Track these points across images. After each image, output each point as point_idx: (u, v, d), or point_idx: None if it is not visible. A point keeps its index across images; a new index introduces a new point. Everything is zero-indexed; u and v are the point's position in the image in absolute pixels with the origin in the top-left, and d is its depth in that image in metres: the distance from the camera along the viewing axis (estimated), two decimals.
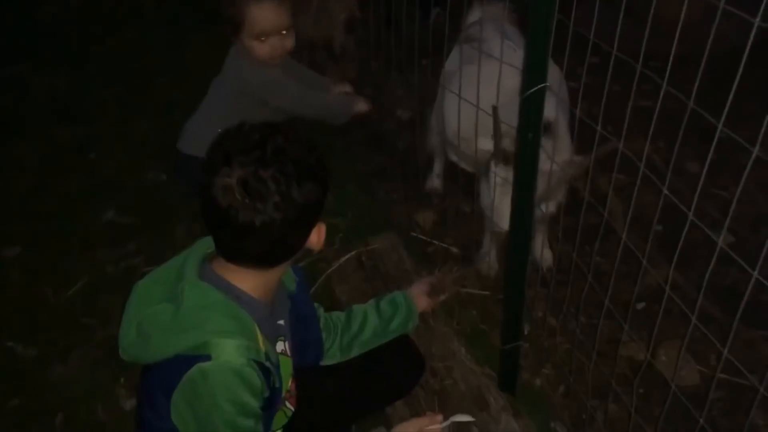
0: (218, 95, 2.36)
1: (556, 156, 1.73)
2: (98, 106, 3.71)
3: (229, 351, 1.25)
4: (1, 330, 2.40)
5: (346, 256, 2.49)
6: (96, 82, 3.93)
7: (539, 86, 1.41)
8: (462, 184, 2.38)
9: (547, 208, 2.14)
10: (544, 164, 1.84)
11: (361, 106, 2.47)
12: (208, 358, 1.24)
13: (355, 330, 1.79)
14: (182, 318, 1.28)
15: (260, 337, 1.33)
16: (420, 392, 2.04)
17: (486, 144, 1.95)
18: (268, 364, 1.33)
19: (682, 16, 1.13)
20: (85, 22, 4.30)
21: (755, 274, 1.11)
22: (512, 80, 1.59)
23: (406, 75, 2.67)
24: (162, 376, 1.30)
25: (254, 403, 1.30)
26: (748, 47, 1.03)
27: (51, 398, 2.16)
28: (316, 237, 1.37)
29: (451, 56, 2.55)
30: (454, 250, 2.62)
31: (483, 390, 2.02)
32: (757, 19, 0.98)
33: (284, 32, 2.18)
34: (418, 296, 1.92)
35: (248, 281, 1.35)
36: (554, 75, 1.52)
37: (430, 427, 1.55)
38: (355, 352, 1.81)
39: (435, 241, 2.66)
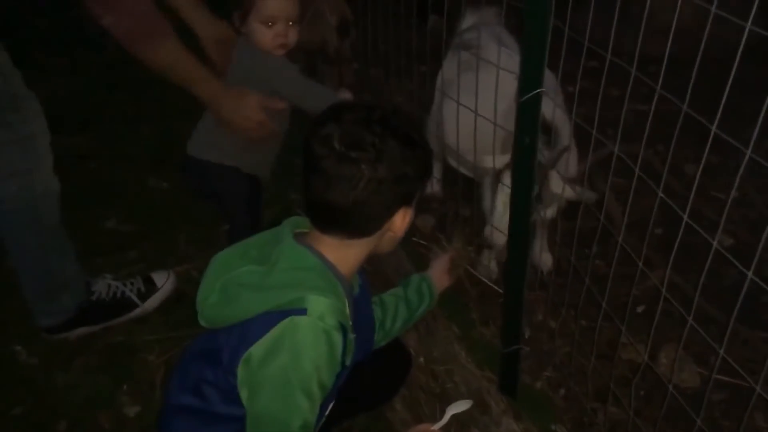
0: None
1: (565, 168, 1.75)
2: (98, 113, 3.73)
3: (324, 308, 1.26)
4: (6, 335, 2.41)
5: None
6: (96, 90, 3.95)
7: (536, 91, 1.43)
8: (461, 188, 2.39)
9: (545, 212, 2.16)
10: (556, 187, 1.87)
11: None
12: (303, 311, 1.24)
13: (389, 326, 1.80)
14: (278, 277, 1.29)
15: (347, 307, 1.35)
16: (421, 395, 2.05)
17: (498, 161, 1.96)
18: (351, 336, 1.35)
19: (675, 19, 1.14)
20: (84, 28, 4.31)
21: (750, 274, 1.12)
22: (511, 86, 1.61)
23: (404, 81, 2.68)
24: (242, 332, 1.29)
25: (330, 374, 1.30)
26: (740, 49, 1.04)
27: (54, 405, 2.17)
28: (400, 221, 1.37)
29: (447, 62, 2.56)
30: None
31: (484, 393, 2.03)
32: (748, 24, 0.99)
33: (291, 23, 2.19)
34: (440, 276, 1.92)
35: (334, 253, 1.37)
36: (550, 82, 1.53)
37: (432, 428, 1.56)
38: (383, 344, 1.81)
39: (434, 246, 2.67)
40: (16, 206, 2.09)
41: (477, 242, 2.21)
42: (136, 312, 2.44)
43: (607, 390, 1.79)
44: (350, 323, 1.35)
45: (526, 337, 2.21)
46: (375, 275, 2.46)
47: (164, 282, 2.48)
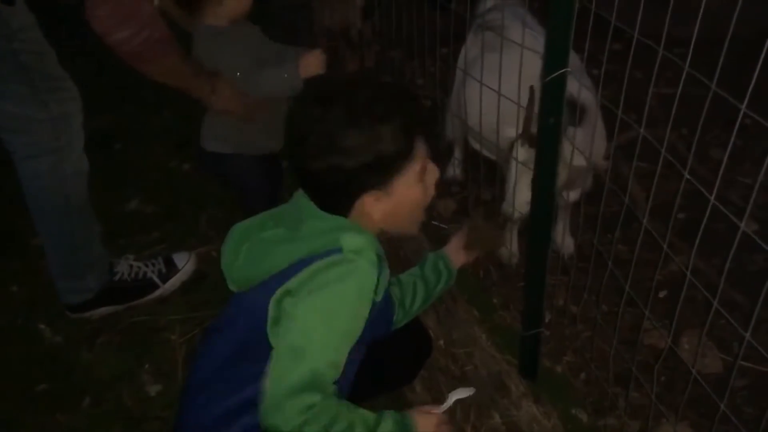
0: None
1: (591, 147, 1.73)
2: (120, 95, 3.75)
3: (359, 243, 1.28)
4: (33, 313, 2.45)
5: None
6: (119, 73, 3.96)
7: (561, 71, 1.41)
8: (483, 172, 2.38)
9: (569, 195, 2.14)
10: (578, 160, 1.85)
11: (313, 67, 2.16)
12: (338, 250, 1.27)
13: (408, 305, 1.80)
14: (308, 228, 1.32)
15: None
16: (440, 377, 2.06)
17: (511, 131, 1.95)
18: (386, 270, 1.37)
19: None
20: None
21: None
22: (536, 68, 1.59)
23: (425, 63, 2.67)
24: (277, 278, 1.30)
25: (366, 306, 1.32)
26: None
27: (78, 382, 2.20)
28: (370, 205, 1.35)
29: (469, 43, 2.54)
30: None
31: (504, 376, 2.03)
32: None
33: None
34: (456, 252, 1.91)
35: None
36: (575, 63, 1.51)
37: (434, 410, 1.56)
38: (402, 324, 1.82)
39: (455, 229, 2.66)
40: (48, 184, 2.11)
41: (496, 224, 2.20)
42: (157, 293, 2.46)
43: (629, 375, 1.78)
44: (384, 257, 1.37)
45: (547, 321, 2.20)
46: (394, 258, 2.46)
47: (185, 263, 2.50)
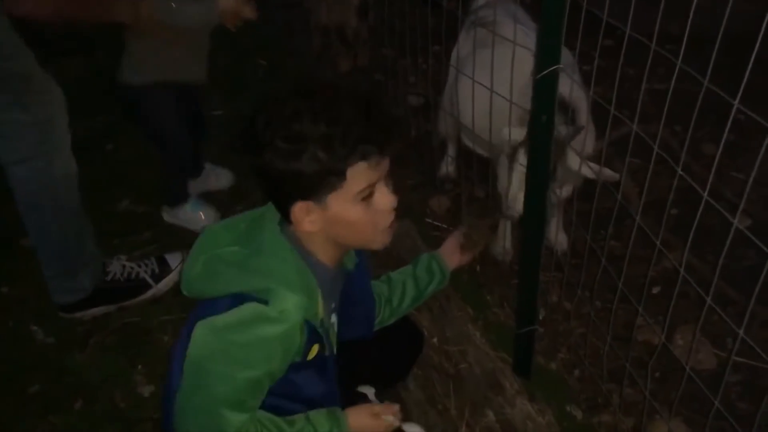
0: None
1: (582, 146, 1.73)
2: (110, 94, 3.72)
3: (288, 304, 1.28)
4: (24, 315, 2.43)
5: None
6: (107, 70, 3.93)
7: (553, 67, 1.41)
8: (476, 169, 2.38)
9: (560, 192, 2.14)
10: (573, 163, 1.85)
11: (247, 11, 2.27)
12: (266, 302, 1.27)
13: (396, 303, 1.80)
14: (254, 262, 1.32)
15: (320, 303, 1.36)
16: (434, 375, 2.05)
17: (514, 133, 1.94)
18: (320, 330, 1.37)
19: None
20: None
21: None
22: (528, 64, 1.59)
23: (418, 61, 2.66)
24: (211, 305, 1.33)
25: (280, 365, 1.33)
26: (764, 26, 1.01)
27: (70, 384, 2.18)
28: (299, 214, 1.32)
29: (461, 40, 2.54)
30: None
31: (498, 374, 2.03)
32: None
33: None
34: (450, 255, 1.88)
35: (309, 240, 1.38)
36: (567, 60, 1.51)
37: (384, 415, 1.55)
38: (391, 321, 1.82)
39: (449, 227, 2.67)
40: (36, 188, 2.10)
41: (491, 221, 2.19)
42: (150, 293, 2.45)
43: (622, 371, 1.78)
44: (320, 317, 1.36)
45: (541, 318, 2.20)
46: (388, 256, 2.45)
47: (178, 263, 2.49)
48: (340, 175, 1.26)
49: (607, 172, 1.78)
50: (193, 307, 1.45)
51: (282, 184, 1.29)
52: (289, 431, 1.41)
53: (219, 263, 1.35)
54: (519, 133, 1.92)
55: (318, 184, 1.27)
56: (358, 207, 1.31)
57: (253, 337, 1.28)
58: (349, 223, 1.33)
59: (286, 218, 1.36)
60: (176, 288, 2.48)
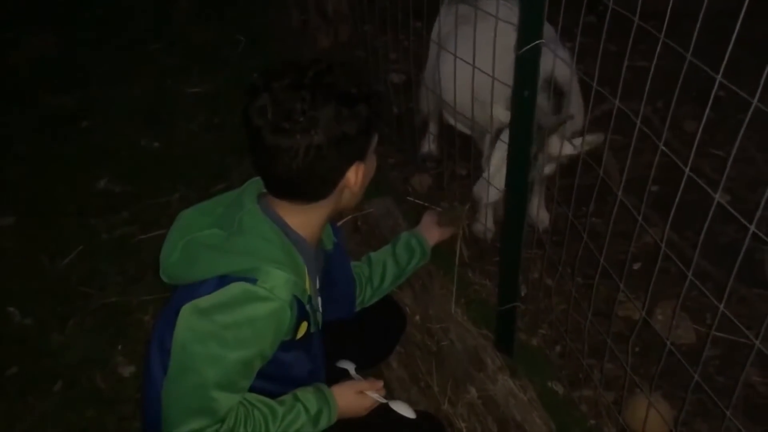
0: None
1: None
2: (88, 72, 3.67)
3: (277, 281, 1.26)
4: (1, 296, 2.40)
5: (342, 220, 2.48)
6: (85, 48, 3.88)
7: (535, 42, 1.39)
8: (458, 147, 2.37)
9: (542, 169, 2.13)
10: (554, 149, 1.84)
11: None
12: (254, 281, 1.25)
13: (377, 283, 1.80)
14: (238, 242, 1.29)
15: (308, 279, 1.35)
16: (417, 353, 2.06)
17: (502, 115, 1.93)
18: (308, 307, 1.35)
19: None
20: None
21: (752, 228, 1.11)
22: (512, 40, 1.57)
23: (399, 38, 2.64)
24: (195, 288, 1.30)
25: (272, 345, 1.32)
26: (745, 3, 1.01)
27: (49, 365, 2.17)
28: (354, 177, 1.32)
29: (443, 16, 2.51)
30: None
31: (480, 350, 2.04)
32: None
33: None
34: (428, 231, 1.90)
35: (294, 218, 1.36)
36: (550, 35, 1.49)
37: (369, 392, 1.55)
38: (373, 301, 1.81)
39: (431, 205, 2.66)
40: None
41: (472, 200, 2.19)
42: None
43: (603, 347, 1.79)
44: (308, 294, 1.36)
45: (523, 295, 2.21)
46: (371, 235, 2.45)
47: None
48: (377, 129, 1.33)
49: (590, 137, 1.78)
50: (174, 290, 1.43)
51: (336, 151, 1.26)
52: (280, 410, 1.40)
53: (199, 247, 1.32)
54: (506, 115, 1.91)
55: (368, 142, 1.31)
56: (373, 157, 1.38)
57: (242, 316, 1.26)
58: (366, 178, 1.37)
59: (324, 196, 1.34)
60: (156, 268, 2.46)
